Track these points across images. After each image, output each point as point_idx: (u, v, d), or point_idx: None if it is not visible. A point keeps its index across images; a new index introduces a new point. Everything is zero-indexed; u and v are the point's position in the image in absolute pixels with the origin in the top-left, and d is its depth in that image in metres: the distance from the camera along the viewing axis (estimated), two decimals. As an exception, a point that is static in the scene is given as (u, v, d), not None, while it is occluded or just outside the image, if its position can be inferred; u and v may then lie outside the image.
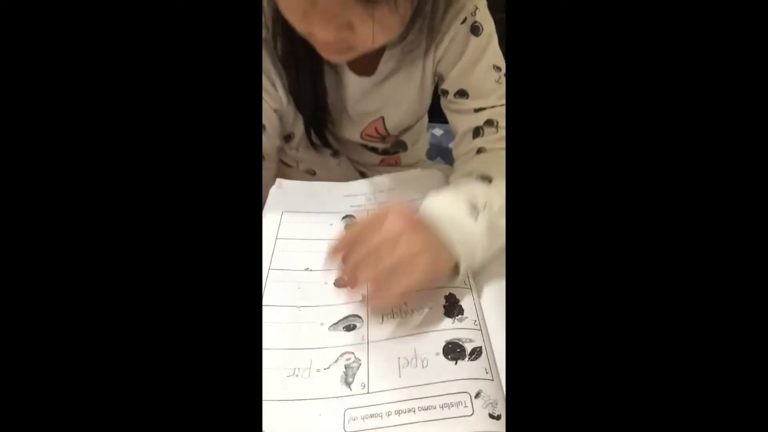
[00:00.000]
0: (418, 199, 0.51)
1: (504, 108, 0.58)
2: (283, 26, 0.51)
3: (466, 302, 0.41)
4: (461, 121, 0.59)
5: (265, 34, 0.56)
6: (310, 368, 0.37)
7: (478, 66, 0.57)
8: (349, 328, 0.40)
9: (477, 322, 0.39)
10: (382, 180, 0.55)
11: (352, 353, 0.38)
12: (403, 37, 0.53)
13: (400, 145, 0.73)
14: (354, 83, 0.60)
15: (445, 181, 0.54)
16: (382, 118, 0.65)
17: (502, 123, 0.57)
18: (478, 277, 0.44)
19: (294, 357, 0.38)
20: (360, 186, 0.55)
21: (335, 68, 0.59)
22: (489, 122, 0.58)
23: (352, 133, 0.69)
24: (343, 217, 0.50)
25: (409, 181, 0.54)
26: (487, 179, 0.49)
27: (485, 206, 0.44)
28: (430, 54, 0.58)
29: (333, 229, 0.49)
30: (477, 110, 0.58)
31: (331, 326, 0.40)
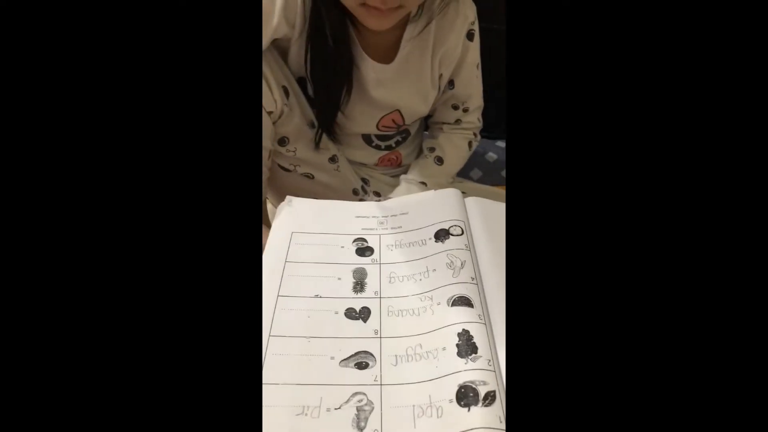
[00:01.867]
0: (433, 224, 0.49)
1: (479, 100, 0.76)
2: (319, 16, 0.59)
3: (479, 339, 0.39)
4: (444, 98, 0.74)
5: (286, 31, 0.61)
6: (320, 407, 0.36)
7: (466, 64, 0.71)
8: (361, 366, 0.38)
9: (491, 362, 0.38)
10: (394, 203, 0.53)
11: (365, 395, 0.37)
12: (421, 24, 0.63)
13: (404, 133, 0.76)
14: (374, 69, 0.65)
15: (462, 202, 0.52)
16: (399, 111, 0.70)
17: (472, 106, 0.76)
18: (492, 309, 0.43)
19: (303, 393, 0.37)
20: (371, 208, 0.53)
21: (356, 58, 0.64)
22: (465, 108, 0.75)
23: (366, 123, 0.71)
24: (354, 240, 0.48)
25: (423, 204, 0.52)
26: (440, 160, 0.75)
27: (436, 185, 0.69)
28: (437, 53, 0.66)
29: (344, 252, 0.47)
30: (459, 97, 0.74)
31: (342, 361, 0.39)
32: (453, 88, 0.73)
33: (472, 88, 0.74)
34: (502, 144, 1.10)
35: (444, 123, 0.78)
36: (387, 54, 0.65)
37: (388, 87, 0.67)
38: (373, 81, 0.66)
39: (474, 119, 0.78)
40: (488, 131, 1.08)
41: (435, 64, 0.68)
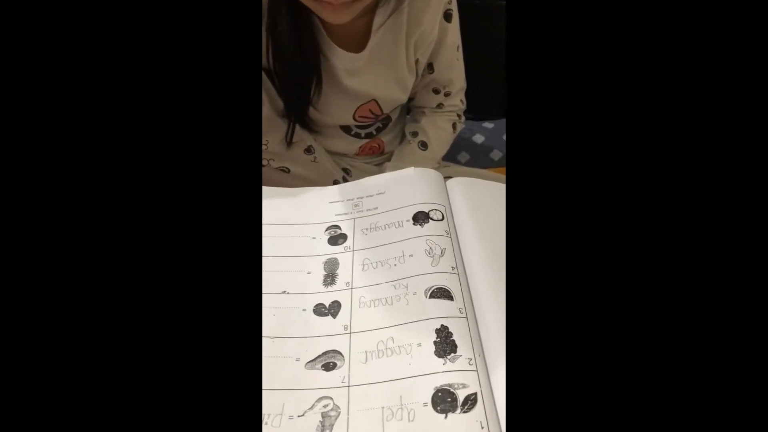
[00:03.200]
0: (411, 205, 0.45)
1: (461, 82, 0.71)
2: (280, 9, 0.54)
3: (460, 336, 0.35)
4: (424, 82, 0.69)
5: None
6: (282, 414, 0.32)
7: (444, 46, 0.65)
8: (329, 366, 0.34)
9: (472, 361, 0.34)
10: (371, 183, 0.48)
11: (331, 399, 0.32)
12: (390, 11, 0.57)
13: (384, 119, 0.71)
14: (344, 59, 0.60)
15: (443, 185, 0.48)
16: (375, 100, 0.65)
17: (454, 89, 0.70)
18: (477, 300, 0.39)
19: (265, 399, 0.33)
20: (347, 190, 0.48)
21: (323, 49, 0.59)
22: (447, 92, 0.70)
23: (342, 115, 0.65)
24: (327, 229, 0.44)
25: (401, 182, 0.48)
26: (424, 145, 0.69)
27: None
28: (412, 36, 0.61)
29: (316, 243, 0.43)
30: (440, 81, 0.69)
31: (307, 363, 0.35)
32: (433, 72, 0.68)
33: (453, 71, 0.69)
34: (489, 125, 1.05)
35: (426, 107, 0.73)
36: (357, 42, 0.60)
37: (361, 76, 0.61)
38: (344, 71, 0.60)
39: (457, 102, 0.73)
40: (474, 113, 1.04)
41: (410, 49, 0.62)
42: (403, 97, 0.68)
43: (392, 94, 0.65)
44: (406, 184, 0.47)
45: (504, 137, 1.03)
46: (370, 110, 0.66)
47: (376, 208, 0.45)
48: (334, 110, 0.64)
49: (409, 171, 0.49)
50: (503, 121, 1.07)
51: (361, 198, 0.47)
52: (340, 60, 0.59)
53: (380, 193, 0.47)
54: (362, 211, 0.45)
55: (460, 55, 0.69)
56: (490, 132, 1.05)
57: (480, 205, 0.46)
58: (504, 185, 0.51)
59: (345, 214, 0.45)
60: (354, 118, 0.66)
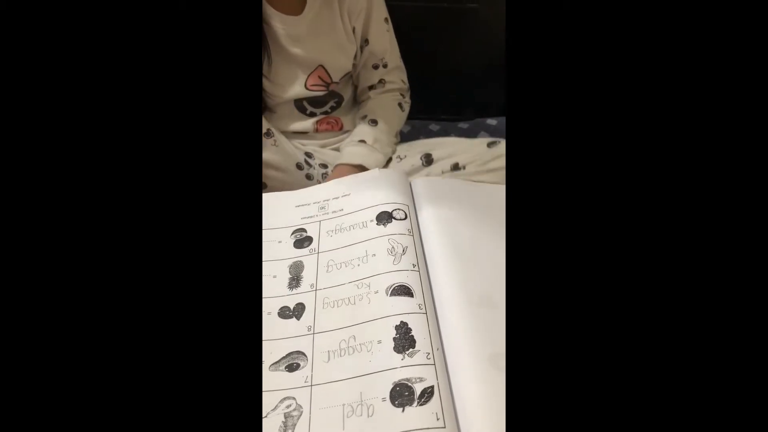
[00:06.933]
0: (375, 205, 0.44)
1: (396, 57, 0.76)
2: None
3: (418, 331, 0.35)
4: (363, 58, 0.74)
5: None
6: (247, 415, 0.32)
7: (373, 19, 0.71)
8: (292, 367, 0.34)
9: (430, 355, 0.33)
10: (337, 186, 0.48)
11: (294, 399, 0.32)
12: None
13: (336, 97, 0.75)
14: (284, 23, 0.65)
15: (407, 185, 0.48)
16: (323, 66, 0.70)
17: (392, 63, 0.76)
18: (438, 296, 0.38)
19: None
20: (313, 193, 0.48)
21: (266, 17, 0.64)
22: (385, 64, 0.75)
23: (293, 86, 0.70)
24: (293, 232, 0.44)
25: (366, 184, 0.48)
26: (374, 122, 0.72)
27: (374, 140, 0.69)
28: (344, 4, 0.68)
29: (282, 246, 0.42)
30: (376, 54, 0.74)
31: (272, 365, 0.34)
32: (368, 44, 0.73)
33: (385, 42, 0.74)
34: (464, 125, 1.05)
35: (370, 88, 0.76)
36: (295, 6, 0.66)
37: (305, 42, 0.67)
38: (287, 37, 0.65)
39: (397, 79, 0.77)
40: (449, 113, 1.04)
41: (344, 17, 0.68)
42: (347, 64, 0.72)
43: (337, 60, 0.70)
44: (370, 185, 0.47)
45: (477, 137, 1.03)
46: (319, 77, 0.70)
47: (342, 210, 0.45)
48: (285, 82, 0.68)
49: (374, 172, 0.49)
50: (477, 120, 1.06)
51: (327, 200, 0.46)
52: (281, 23, 0.64)
53: (346, 195, 0.46)
54: (328, 213, 0.45)
55: (390, 27, 0.74)
56: (465, 132, 1.04)
57: (443, 203, 0.46)
58: (466, 183, 0.51)
59: (311, 216, 0.45)
60: (306, 87, 0.70)
